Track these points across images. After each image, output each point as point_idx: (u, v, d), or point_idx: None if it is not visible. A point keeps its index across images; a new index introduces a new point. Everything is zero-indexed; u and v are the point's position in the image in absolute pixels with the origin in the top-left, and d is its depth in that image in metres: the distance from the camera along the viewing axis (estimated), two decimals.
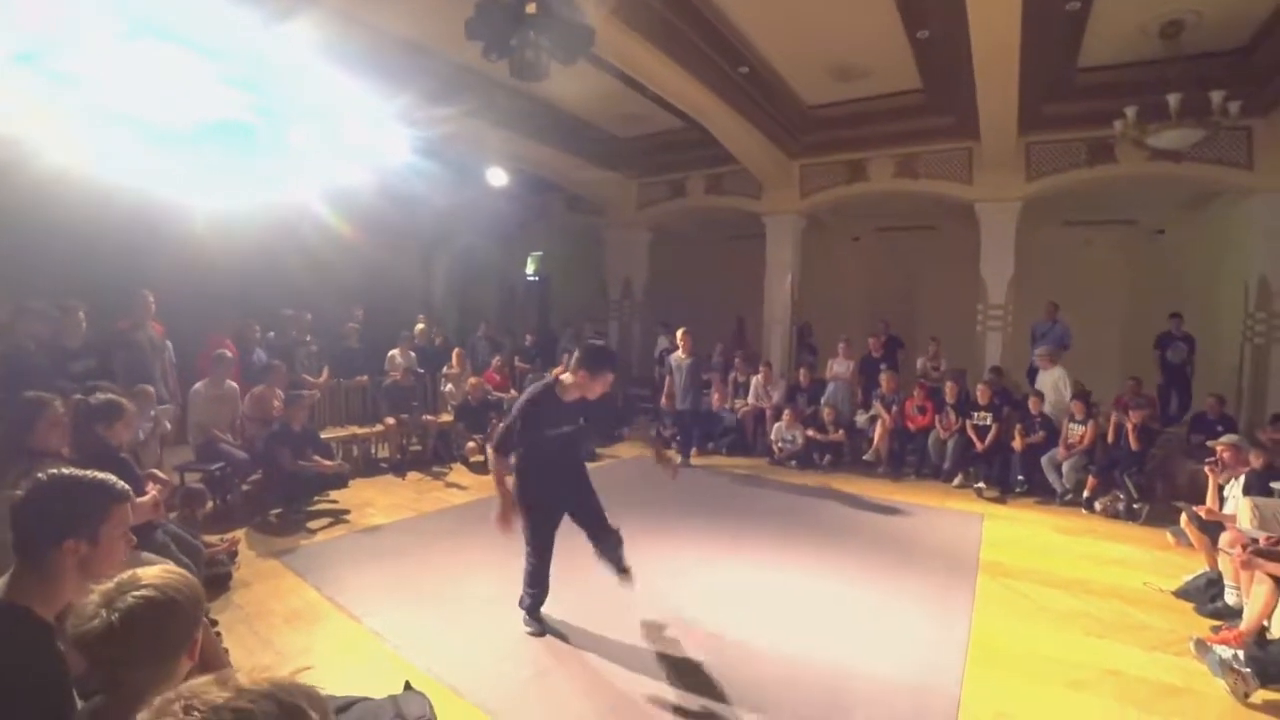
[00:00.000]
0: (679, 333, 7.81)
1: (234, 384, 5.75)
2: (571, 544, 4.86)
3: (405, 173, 8.19)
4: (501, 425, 3.46)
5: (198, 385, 5.55)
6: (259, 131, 6.57)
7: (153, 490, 3.10)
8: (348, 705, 2.38)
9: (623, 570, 3.69)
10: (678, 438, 8.59)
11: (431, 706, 2.38)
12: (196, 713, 0.84)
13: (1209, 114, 5.55)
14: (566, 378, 3.38)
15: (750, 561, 4.69)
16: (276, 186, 7.51)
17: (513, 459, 3.40)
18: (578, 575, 4.28)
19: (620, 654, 3.34)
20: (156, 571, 1.29)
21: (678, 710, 2.85)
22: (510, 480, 3.39)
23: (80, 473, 1.66)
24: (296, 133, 6.83)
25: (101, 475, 1.67)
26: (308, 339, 7.46)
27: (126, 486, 1.68)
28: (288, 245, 8.40)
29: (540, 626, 3.54)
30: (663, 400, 8.05)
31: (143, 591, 1.22)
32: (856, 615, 3.89)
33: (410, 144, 7.68)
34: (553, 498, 3.49)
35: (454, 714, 2.63)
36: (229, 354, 5.80)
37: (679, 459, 7.61)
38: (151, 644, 1.21)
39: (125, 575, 1.27)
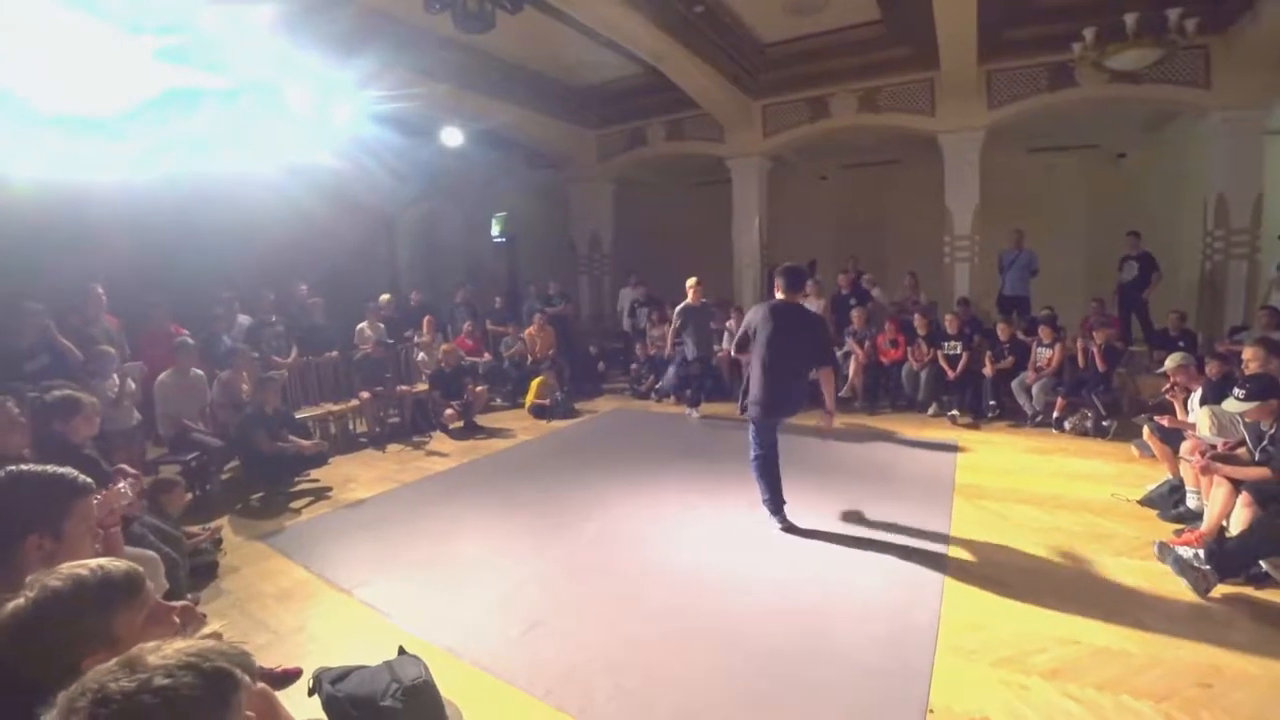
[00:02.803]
0: (690, 281, 7.54)
1: (200, 371, 5.63)
2: (556, 496, 4.92)
3: (363, 139, 7.92)
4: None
5: (163, 375, 5.42)
6: (204, 105, 6.26)
7: (124, 484, 3.04)
8: (344, 675, 2.42)
9: None
10: (657, 387, 8.66)
11: (427, 668, 2.43)
12: (113, 703, 0.78)
13: (1166, 33, 5.53)
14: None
15: (732, 502, 4.76)
16: (227, 162, 7.22)
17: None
18: (565, 527, 4.36)
19: (611, 602, 3.41)
20: (64, 568, 1.22)
21: (669, 652, 2.93)
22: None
23: (40, 468, 1.62)
24: (243, 104, 6.53)
25: (62, 470, 1.64)
26: (272, 319, 7.30)
27: (89, 480, 1.65)
28: (244, 222, 8.13)
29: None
30: (668, 349, 7.84)
31: (45, 589, 1.16)
32: (839, 545, 4.00)
33: (365, 109, 7.40)
34: None
35: (450, 674, 2.68)
36: (190, 340, 5.66)
37: (695, 415, 7.51)
38: (49, 640, 1.13)
39: (42, 571, 1.21)
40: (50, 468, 1.64)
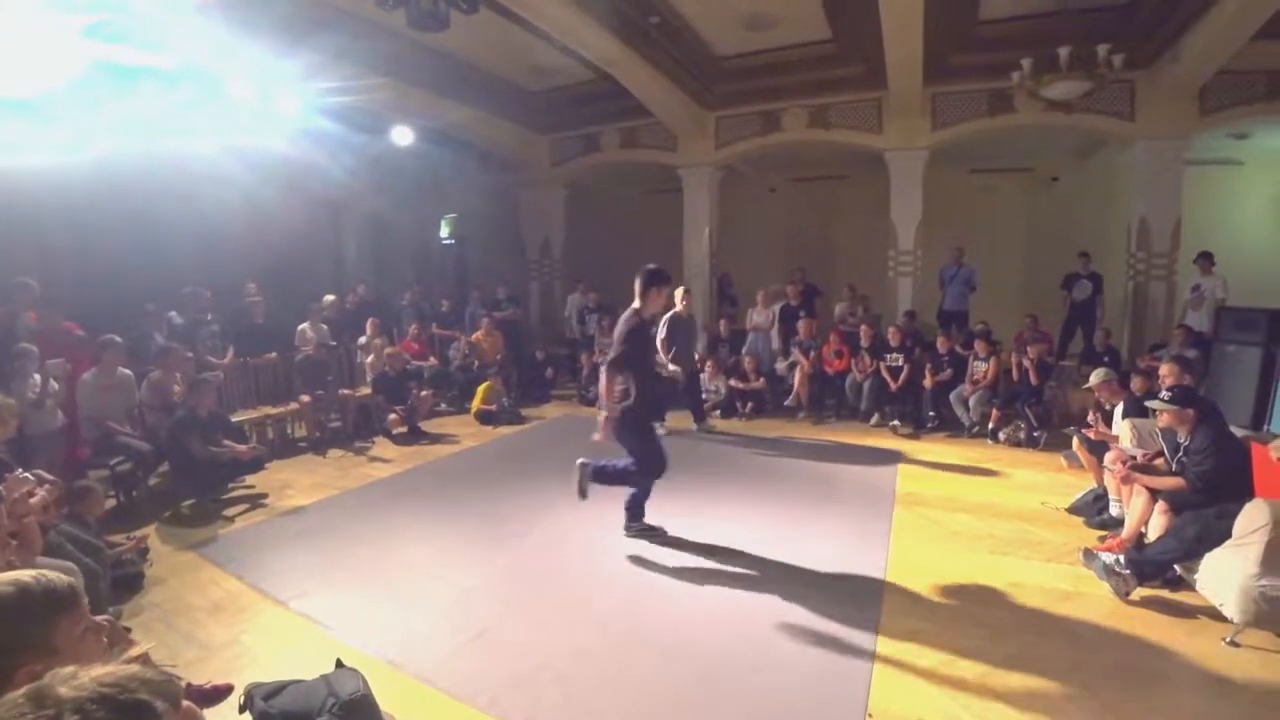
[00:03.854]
0: (679, 291, 7.09)
1: (127, 371, 5.34)
2: (501, 504, 4.84)
3: (308, 134, 7.68)
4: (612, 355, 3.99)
5: (86, 375, 5.12)
6: (136, 88, 5.94)
7: (39, 491, 2.86)
8: (278, 690, 2.32)
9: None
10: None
11: (366, 682, 2.34)
12: None
13: (1095, 66, 5.85)
14: (638, 304, 4.02)
15: (679, 510, 4.77)
16: (164, 148, 6.91)
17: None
18: (511, 535, 4.30)
19: (556, 610, 3.39)
20: (10, 574, 1.16)
21: (615, 660, 2.92)
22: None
23: None
24: (180, 88, 6.23)
25: None
26: (208, 318, 7.00)
27: None
28: (181, 217, 7.79)
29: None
30: (668, 366, 6.56)
31: None
32: (784, 551, 4.05)
33: (312, 104, 7.18)
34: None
35: (391, 687, 2.60)
36: (116, 338, 5.35)
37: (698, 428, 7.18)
38: None
39: None
40: None
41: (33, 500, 2.64)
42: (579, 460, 4.13)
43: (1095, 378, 4.96)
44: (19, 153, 5.87)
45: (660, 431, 6.96)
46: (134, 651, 1.03)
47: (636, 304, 4.06)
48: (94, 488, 3.92)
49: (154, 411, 5.43)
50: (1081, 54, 5.84)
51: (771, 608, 3.37)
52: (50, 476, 3.05)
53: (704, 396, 7.82)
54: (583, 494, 4.10)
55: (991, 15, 6.86)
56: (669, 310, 7.01)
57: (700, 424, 7.26)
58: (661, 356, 6.89)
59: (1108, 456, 4.24)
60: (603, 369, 4.04)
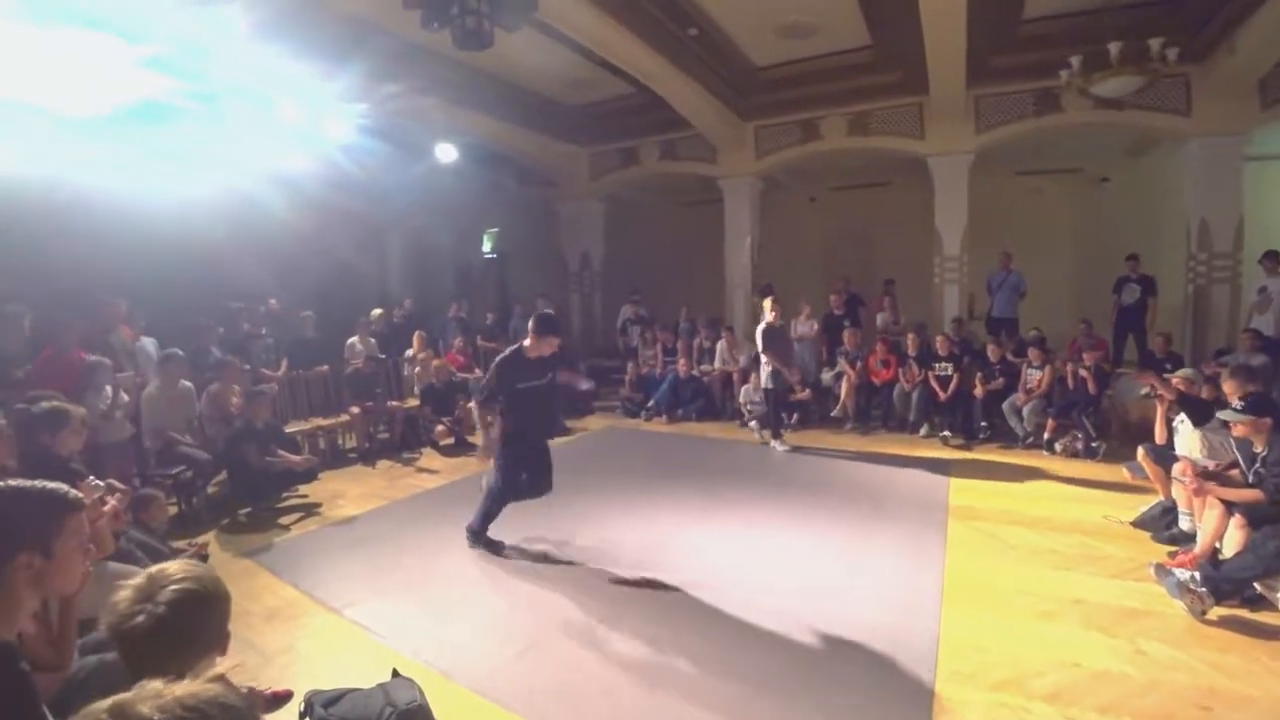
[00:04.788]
0: (768, 301, 6.91)
1: (188, 384, 5.54)
2: (547, 515, 4.84)
3: (352, 153, 7.91)
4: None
5: (149, 388, 5.34)
6: (190, 115, 6.21)
7: (111, 499, 2.97)
8: (337, 698, 2.36)
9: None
10: (648, 406, 8.64)
11: (421, 691, 2.36)
12: None
13: (1148, 61, 5.65)
14: (528, 342, 4.12)
15: (727, 522, 4.75)
16: (214, 173, 7.19)
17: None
18: (558, 546, 4.30)
19: (605, 623, 3.36)
20: (181, 565, 1.31)
21: (664, 672, 2.89)
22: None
23: (29, 483, 1.58)
24: (232, 116, 6.49)
25: (52, 485, 1.60)
26: (262, 331, 7.23)
27: (80, 495, 1.61)
28: (232, 235, 8.07)
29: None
30: (761, 379, 7.03)
31: (182, 584, 1.23)
32: (835, 566, 3.98)
33: (356, 124, 7.40)
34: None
35: (444, 697, 2.61)
36: (179, 353, 5.56)
37: (781, 446, 6.91)
38: (195, 636, 1.21)
39: (154, 569, 1.28)
40: (39, 483, 1.59)
41: (105, 508, 2.75)
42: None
43: (1183, 372, 4.76)
44: (75, 171, 6.17)
45: (782, 449, 6.90)
46: (214, 670, 1.12)
47: (526, 342, 4.13)
48: (158, 496, 4.07)
49: (213, 422, 5.61)
50: (1133, 49, 5.66)
51: (824, 623, 3.29)
52: (121, 485, 3.16)
53: (749, 409, 7.78)
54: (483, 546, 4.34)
55: (1036, 13, 6.70)
56: (759, 323, 6.97)
57: (776, 438, 7.02)
58: (785, 370, 6.93)
59: (1176, 467, 4.05)
60: (475, 403, 4.28)
